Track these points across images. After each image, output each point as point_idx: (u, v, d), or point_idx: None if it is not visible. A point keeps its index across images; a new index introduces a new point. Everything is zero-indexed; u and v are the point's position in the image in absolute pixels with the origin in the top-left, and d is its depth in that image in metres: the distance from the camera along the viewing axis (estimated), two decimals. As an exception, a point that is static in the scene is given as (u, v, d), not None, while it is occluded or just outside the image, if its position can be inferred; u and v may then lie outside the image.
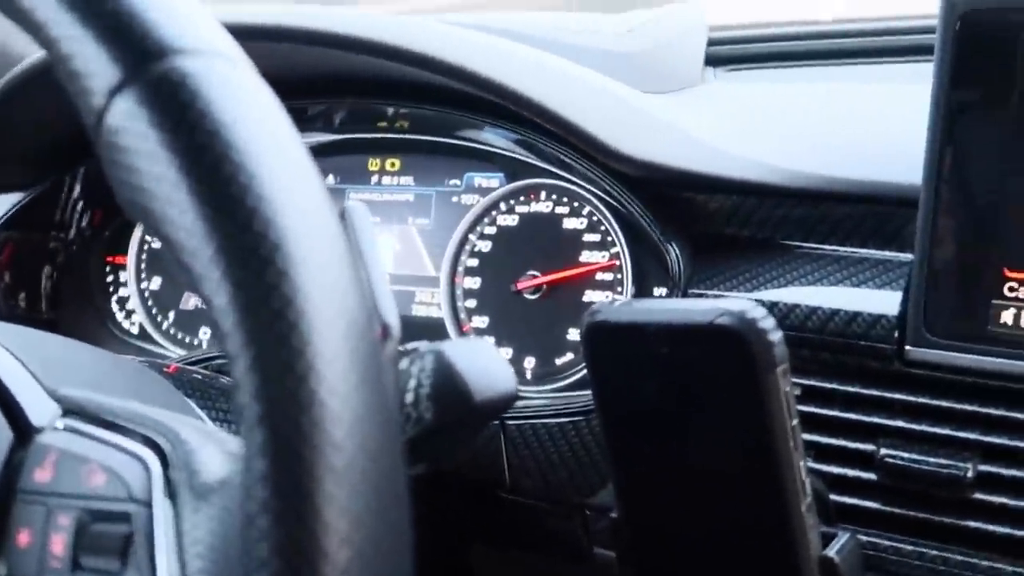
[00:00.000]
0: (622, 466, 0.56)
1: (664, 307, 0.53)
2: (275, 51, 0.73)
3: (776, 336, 0.48)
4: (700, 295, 0.65)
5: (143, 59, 0.30)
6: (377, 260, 0.40)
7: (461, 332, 0.82)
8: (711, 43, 1.01)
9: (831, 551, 0.50)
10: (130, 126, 0.30)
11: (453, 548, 0.73)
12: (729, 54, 1.01)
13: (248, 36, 0.69)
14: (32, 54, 0.78)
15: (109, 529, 0.38)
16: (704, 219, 0.68)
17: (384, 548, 0.30)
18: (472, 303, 0.82)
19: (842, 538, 0.52)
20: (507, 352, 0.79)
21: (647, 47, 0.85)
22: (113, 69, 0.30)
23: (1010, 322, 0.57)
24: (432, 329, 0.83)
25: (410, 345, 0.48)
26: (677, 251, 0.66)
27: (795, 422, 0.48)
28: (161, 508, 0.38)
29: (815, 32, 0.99)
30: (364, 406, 0.30)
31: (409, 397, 0.47)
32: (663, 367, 0.51)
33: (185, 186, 0.30)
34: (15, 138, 0.82)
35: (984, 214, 0.56)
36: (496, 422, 0.68)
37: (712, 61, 1.00)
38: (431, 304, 0.84)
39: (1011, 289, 0.56)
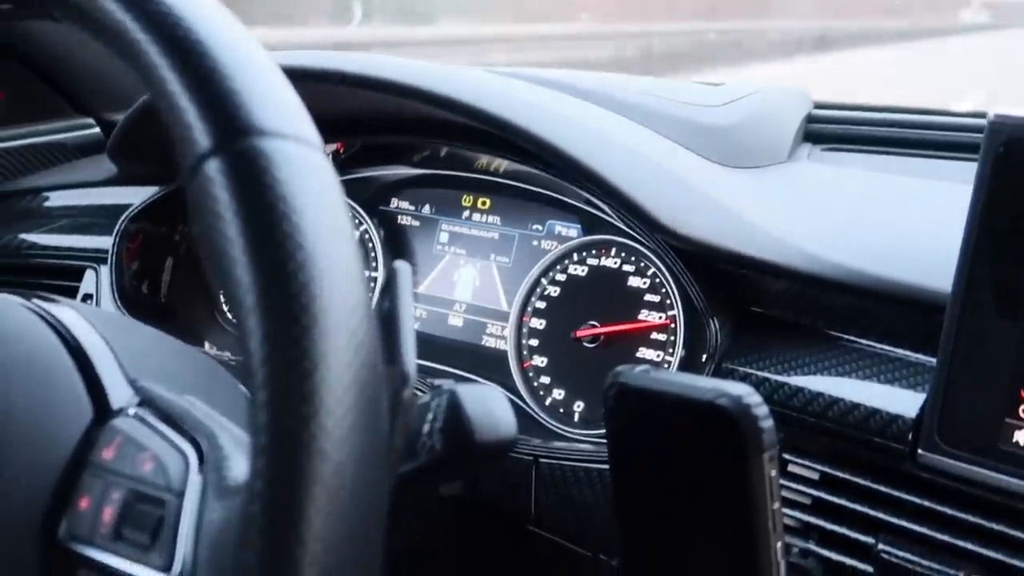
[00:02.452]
0: (625, 521, 0.60)
1: (677, 380, 0.57)
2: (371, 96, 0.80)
3: (767, 424, 0.51)
4: (732, 370, 0.69)
5: (231, 134, 0.37)
6: (409, 313, 0.46)
7: (522, 368, 0.88)
8: (813, 120, 1.04)
9: (800, 632, 0.53)
10: (209, 187, 0.37)
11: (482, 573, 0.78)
12: (830, 133, 1.03)
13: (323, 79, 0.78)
14: None
15: (147, 510, 0.45)
16: (751, 298, 0.71)
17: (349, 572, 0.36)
18: (535, 342, 0.87)
19: (813, 621, 0.55)
20: (560, 393, 0.84)
21: (736, 121, 0.88)
22: (206, 137, 0.37)
23: (1022, 443, 0.58)
24: (496, 360, 0.89)
25: (437, 381, 0.54)
26: (717, 325, 0.70)
27: (776, 505, 0.52)
28: (190, 500, 0.45)
29: (920, 122, 1.00)
30: (355, 452, 0.37)
31: (426, 428, 0.53)
32: (667, 436, 0.56)
33: (239, 245, 0.36)
34: (158, 134, 0.92)
35: (1007, 332, 0.58)
36: (531, 458, 0.73)
37: (812, 138, 1.03)
38: (499, 337, 0.90)
39: (1026, 411, 0.58)
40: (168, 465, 0.46)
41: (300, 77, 0.79)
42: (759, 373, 0.67)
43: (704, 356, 0.71)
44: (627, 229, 0.82)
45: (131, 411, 0.50)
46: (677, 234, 0.68)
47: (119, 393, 0.51)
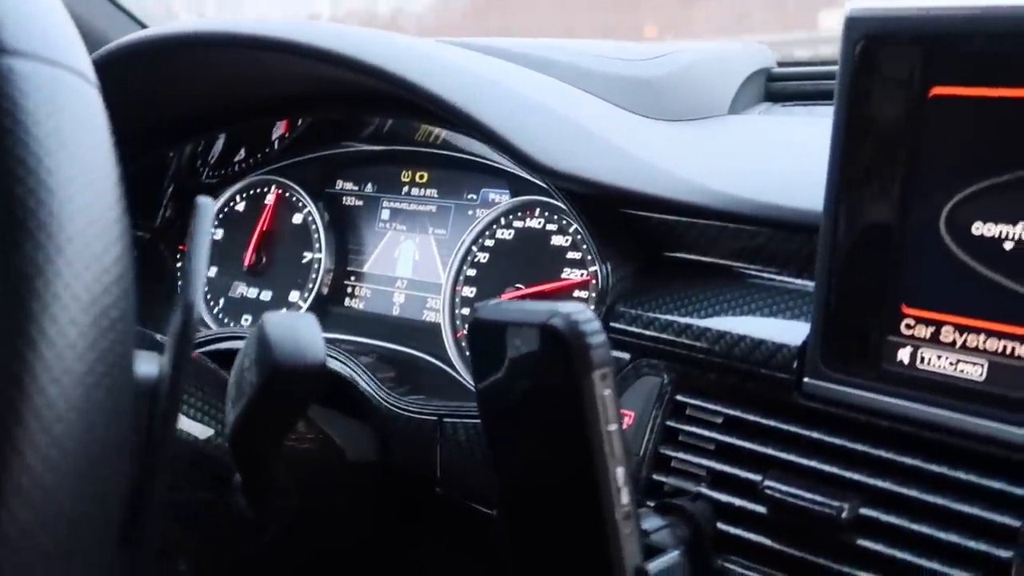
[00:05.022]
0: (496, 461, 0.57)
1: (519, 307, 0.55)
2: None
3: (596, 339, 0.48)
4: (623, 312, 0.66)
5: None
6: (203, 250, 0.45)
7: (455, 338, 0.86)
8: (775, 78, 1.00)
9: (651, 563, 0.50)
10: None
11: (398, 542, 0.76)
12: (792, 90, 0.99)
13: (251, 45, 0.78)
14: (119, 36, 0.87)
15: None
16: (659, 242, 0.69)
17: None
18: (467, 311, 0.85)
19: (669, 554, 0.51)
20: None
21: (664, 74, 0.86)
22: None
23: (906, 361, 0.54)
24: (433, 334, 0.87)
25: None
26: (609, 268, 0.67)
27: (612, 427, 0.49)
28: None
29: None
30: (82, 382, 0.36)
31: (246, 363, 0.52)
32: (515, 365, 0.53)
33: None
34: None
35: (884, 245, 0.54)
36: (434, 418, 0.71)
37: (773, 96, 0.99)
38: (436, 311, 0.89)
39: (908, 326, 0.53)
40: None
41: (200, 42, 0.80)
42: (649, 314, 0.64)
43: (598, 300, 0.68)
44: (549, 189, 0.80)
45: None
46: (546, 167, 0.66)
47: None
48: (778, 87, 0.99)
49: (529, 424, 0.54)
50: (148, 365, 0.48)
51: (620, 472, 0.49)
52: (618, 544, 0.49)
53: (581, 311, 0.49)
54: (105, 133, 0.39)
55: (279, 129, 1.01)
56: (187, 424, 0.60)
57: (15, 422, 0.34)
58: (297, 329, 0.49)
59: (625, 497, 0.49)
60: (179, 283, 0.45)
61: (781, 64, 1.02)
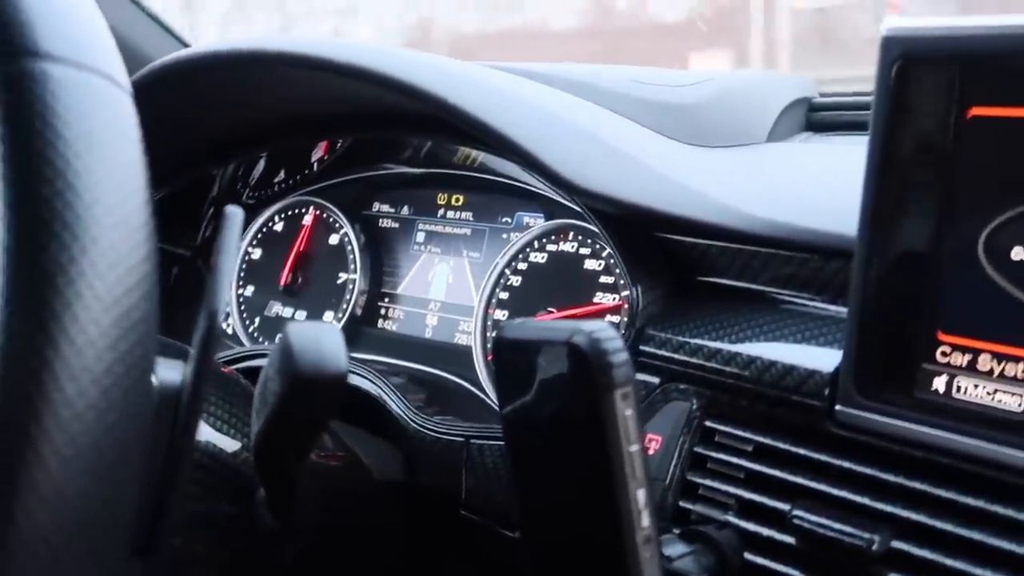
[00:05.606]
0: (520, 483, 0.57)
1: (543, 325, 0.54)
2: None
3: (618, 358, 0.47)
4: (653, 336, 0.65)
5: (8, 55, 0.38)
6: (230, 258, 0.46)
7: (486, 361, 0.85)
8: (817, 108, 0.99)
9: (670, 591, 0.49)
10: None
11: (422, 563, 0.75)
12: (833, 120, 0.98)
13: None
14: (162, 55, 0.89)
15: None
16: (682, 265, 0.68)
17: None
18: (498, 334, 0.85)
19: (689, 581, 0.50)
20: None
21: (701, 101, 0.85)
22: None
23: (942, 389, 0.52)
24: (464, 356, 0.87)
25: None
26: (639, 292, 0.66)
27: (634, 448, 0.48)
28: None
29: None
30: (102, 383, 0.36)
31: (269, 373, 0.52)
32: (540, 384, 0.53)
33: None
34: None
35: (920, 270, 0.52)
36: (461, 439, 0.70)
37: (815, 126, 0.98)
38: (469, 333, 0.88)
39: (944, 354, 0.52)
40: None
41: (242, 61, 0.81)
42: (679, 337, 0.63)
43: (628, 323, 0.67)
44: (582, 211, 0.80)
45: None
46: (578, 187, 0.66)
47: None
48: (819, 117, 0.98)
49: (552, 444, 0.53)
50: (171, 372, 0.49)
51: (641, 494, 0.48)
52: (638, 568, 0.48)
53: (604, 329, 0.48)
54: (135, 138, 0.40)
55: (319, 151, 1.02)
56: (214, 437, 0.61)
57: (32, 418, 0.34)
58: (320, 339, 0.49)
59: (645, 520, 0.48)
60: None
61: (823, 95, 1.01)
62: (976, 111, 0.51)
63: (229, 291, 0.46)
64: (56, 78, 0.38)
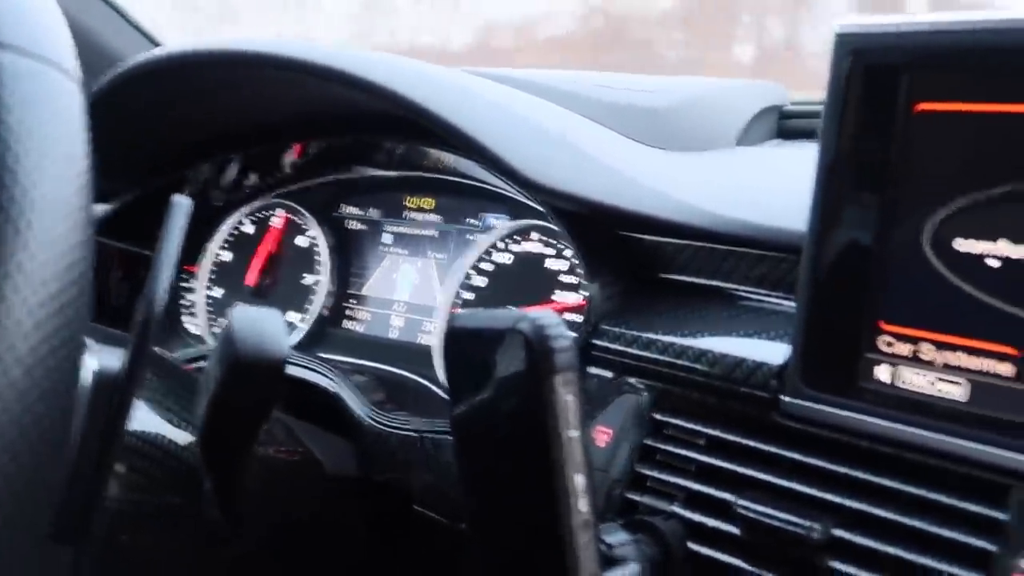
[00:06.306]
0: (465, 473, 0.56)
1: (490, 315, 0.54)
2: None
3: (560, 344, 0.47)
4: (607, 330, 0.65)
5: None
6: (172, 247, 0.46)
7: (448, 361, 0.85)
8: (788, 115, 1.00)
9: (607, 575, 0.48)
10: None
11: (374, 558, 0.75)
12: (805, 127, 0.99)
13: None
14: (131, 55, 0.89)
15: None
16: (642, 263, 0.68)
17: None
18: (461, 334, 0.85)
19: (628, 567, 0.49)
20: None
21: (670, 105, 0.86)
22: None
23: (885, 379, 0.52)
24: (426, 356, 0.87)
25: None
26: (596, 288, 0.66)
27: (573, 433, 0.48)
28: None
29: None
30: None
31: (212, 359, 0.52)
32: (486, 373, 0.52)
33: None
34: (109, 145, 0.95)
35: (866, 262, 0.52)
36: (415, 434, 0.70)
37: (786, 133, 0.99)
38: (431, 333, 0.88)
39: (887, 344, 0.52)
40: None
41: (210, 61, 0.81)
42: (632, 332, 0.63)
43: (584, 319, 0.67)
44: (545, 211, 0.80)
45: None
46: (539, 184, 0.66)
47: None
48: (791, 124, 0.99)
49: (497, 433, 0.53)
50: (112, 359, 0.48)
51: (579, 479, 0.48)
52: (575, 553, 0.48)
53: (548, 317, 0.48)
54: (80, 128, 0.40)
55: (291, 154, 1.02)
56: (165, 429, 0.60)
57: None
58: (260, 324, 0.49)
59: (584, 505, 0.48)
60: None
61: (795, 103, 1.01)
62: (923, 106, 0.51)
63: (171, 279, 0.45)
64: (3, 64, 0.38)
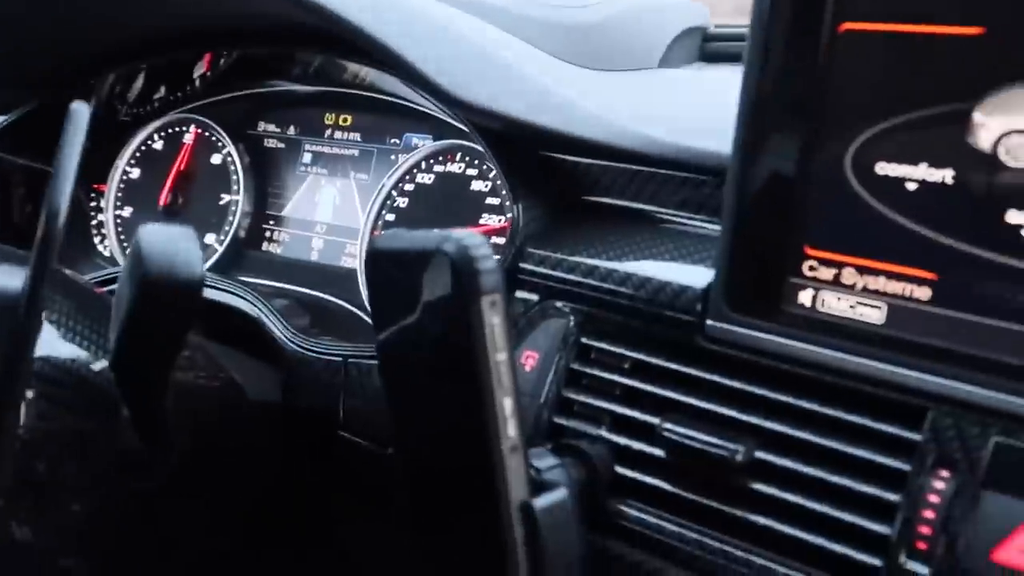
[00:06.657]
0: (392, 397, 0.56)
1: (414, 235, 0.53)
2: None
3: (485, 265, 0.46)
4: (531, 253, 0.64)
5: None
6: (73, 157, 0.43)
7: (371, 284, 0.83)
8: (711, 38, 0.99)
9: (537, 499, 0.48)
10: None
11: (300, 484, 0.74)
12: (727, 51, 0.98)
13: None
14: None
15: None
16: (567, 185, 0.67)
17: None
18: (384, 256, 0.83)
19: (557, 491, 0.50)
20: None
21: (595, 22, 0.84)
22: None
23: (807, 303, 0.53)
24: (349, 279, 0.85)
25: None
26: (520, 210, 0.65)
27: (501, 356, 0.47)
28: None
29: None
30: None
31: (123, 278, 0.50)
32: (410, 295, 0.51)
33: None
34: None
35: (789, 186, 0.52)
36: (339, 359, 0.69)
37: (707, 57, 0.98)
38: (355, 256, 0.86)
39: (811, 268, 0.53)
40: None
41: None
42: (558, 255, 0.63)
43: (508, 241, 0.67)
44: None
45: None
46: (462, 101, 0.64)
47: None
48: (714, 47, 0.98)
49: (423, 357, 0.52)
50: (12, 279, 0.46)
51: (508, 403, 0.48)
52: (504, 477, 0.48)
53: (473, 237, 0.47)
54: None
55: (201, 67, 0.97)
56: (77, 354, 0.58)
57: None
58: (170, 241, 0.47)
59: (512, 429, 0.48)
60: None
61: (719, 26, 1.01)
62: (848, 25, 0.51)
63: (72, 192, 0.43)
64: None
